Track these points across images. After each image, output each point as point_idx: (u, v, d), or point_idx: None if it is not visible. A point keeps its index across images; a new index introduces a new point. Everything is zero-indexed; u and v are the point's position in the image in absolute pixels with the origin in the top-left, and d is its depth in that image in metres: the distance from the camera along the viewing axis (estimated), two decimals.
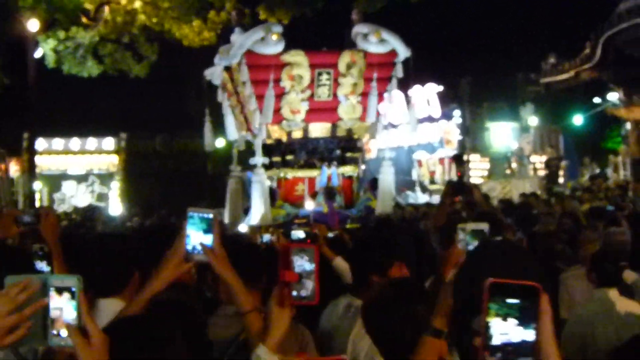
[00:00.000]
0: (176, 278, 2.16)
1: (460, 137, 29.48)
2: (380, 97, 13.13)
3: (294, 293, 1.96)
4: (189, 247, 2.10)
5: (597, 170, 28.68)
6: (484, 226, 2.71)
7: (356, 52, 12.92)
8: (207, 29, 18.73)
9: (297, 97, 12.79)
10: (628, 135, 28.22)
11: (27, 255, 2.97)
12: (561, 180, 28.09)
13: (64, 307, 1.61)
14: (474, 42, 34.28)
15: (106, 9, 18.47)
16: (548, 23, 34.11)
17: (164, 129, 33.80)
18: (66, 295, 1.61)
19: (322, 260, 3.02)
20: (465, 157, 27.73)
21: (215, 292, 3.40)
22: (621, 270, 4.35)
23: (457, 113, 29.77)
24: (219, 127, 14.34)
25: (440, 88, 27.91)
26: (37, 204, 23.86)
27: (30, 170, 20.28)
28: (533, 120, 32.74)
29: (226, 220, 13.31)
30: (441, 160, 27.37)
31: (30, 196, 20.50)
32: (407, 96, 21.28)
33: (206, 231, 2.09)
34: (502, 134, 32.65)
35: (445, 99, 28.67)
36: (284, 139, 13.48)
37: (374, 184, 13.81)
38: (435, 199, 23.87)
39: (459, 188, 6.62)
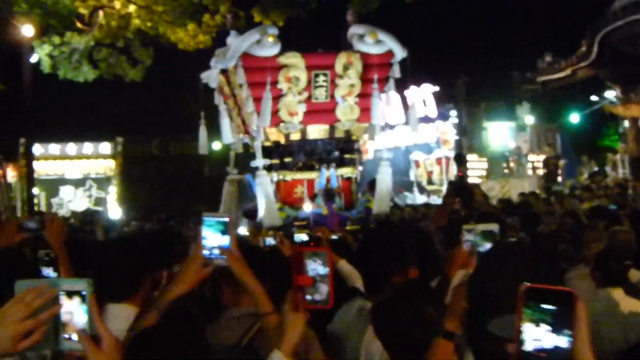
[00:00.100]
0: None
1: (457, 137, 29.53)
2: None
3: (308, 297, 1.95)
4: (206, 252, 2.12)
5: (596, 169, 28.68)
6: (494, 227, 2.68)
7: (352, 53, 12.90)
8: (202, 33, 18.67)
9: (295, 99, 12.76)
10: (626, 133, 28.24)
11: (24, 261, 2.96)
12: (559, 179, 28.12)
13: (74, 311, 1.62)
14: (470, 42, 34.40)
15: (100, 13, 18.40)
16: (544, 21, 34.23)
17: (161, 132, 33.83)
18: (76, 299, 1.62)
19: None
20: None
21: (213, 295, 3.38)
22: (626, 269, 4.33)
23: (453, 113, 29.82)
24: (215, 130, 14.31)
25: (437, 88, 27.96)
26: (35, 209, 23.84)
27: (28, 176, 20.23)
28: (530, 119, 32.78)
29: None
30: (438, 161, 27.41)
31: (29, 202, 20.45)
32: (403, 97, 21.25)
33: (223, 233, 2.13)
34: (499, 134, 32.68)
35: (442, 99, 28.73)
36: (282, 141, 13.46)
37: (372, 185, 13.79)
38: (433, 199, 23.90)
39: (460, 188, 6.59)
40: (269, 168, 13.28)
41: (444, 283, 3.65)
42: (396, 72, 12.90)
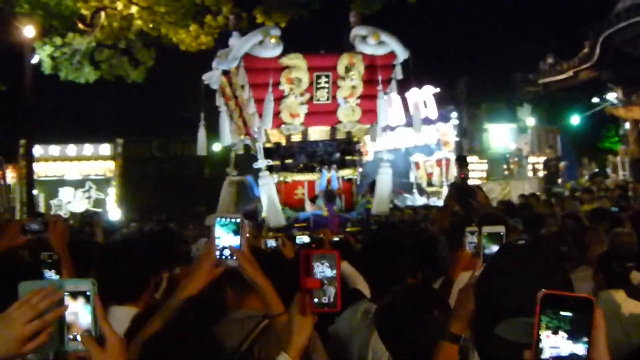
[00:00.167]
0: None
1: (457, 139, 29.54)
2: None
3: (316, 300, 1.94)
4: (217, 253, 2.13)
5: (596, 170, 28.68)
6: (501, 229, 2.66)
7: (354, 55, 12.88)
8: (204, 34, 18.66)
9: (296, 101, 12.73)
10: (626, 135, 28.24)
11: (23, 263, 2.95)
12: (560, 180, 28.11)
13: (79, 312, 1.61)
14: (471, 43, 34.28)
15: (102, 14, 18.40)
16: (546, 23, 34.16)
17: (161, 134, 33.85)
18: (81, 299, 1.61)
19: None
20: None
21: (212, 295, 3.37)
22: (628, 271, 4.32)
23: (454, 115, 29.82)
24: (215, 132, 14.30)
25: (437, 90, 27.95)
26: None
27: (28, 177, 20.21)
28: (530, 121, 32.77)
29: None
30: (439, 162, 27.43)
31: (29, 203, 20.44)
32: (404, 98, 21.25)
33: (235, 233, 2.13)
34: (500, 135, 32.68)
35: (442, 101, 28.69)
36: (283, 142, 13.43)
37: (373, 186, 13.78)
38: (433, 201, 23.92)
39: (461, 190, 6.60)
40: (269, 169, 13.26)
41: (447, 285, 3.65)
42: (398, 73, 12.88)
